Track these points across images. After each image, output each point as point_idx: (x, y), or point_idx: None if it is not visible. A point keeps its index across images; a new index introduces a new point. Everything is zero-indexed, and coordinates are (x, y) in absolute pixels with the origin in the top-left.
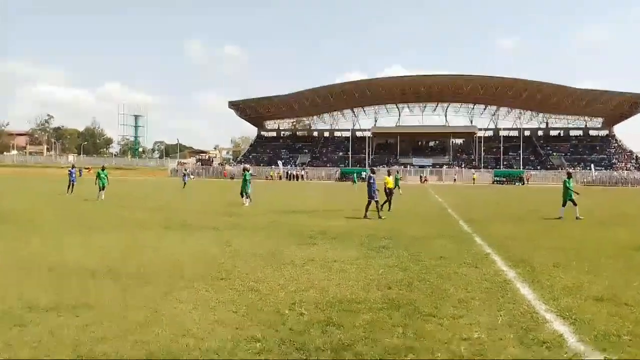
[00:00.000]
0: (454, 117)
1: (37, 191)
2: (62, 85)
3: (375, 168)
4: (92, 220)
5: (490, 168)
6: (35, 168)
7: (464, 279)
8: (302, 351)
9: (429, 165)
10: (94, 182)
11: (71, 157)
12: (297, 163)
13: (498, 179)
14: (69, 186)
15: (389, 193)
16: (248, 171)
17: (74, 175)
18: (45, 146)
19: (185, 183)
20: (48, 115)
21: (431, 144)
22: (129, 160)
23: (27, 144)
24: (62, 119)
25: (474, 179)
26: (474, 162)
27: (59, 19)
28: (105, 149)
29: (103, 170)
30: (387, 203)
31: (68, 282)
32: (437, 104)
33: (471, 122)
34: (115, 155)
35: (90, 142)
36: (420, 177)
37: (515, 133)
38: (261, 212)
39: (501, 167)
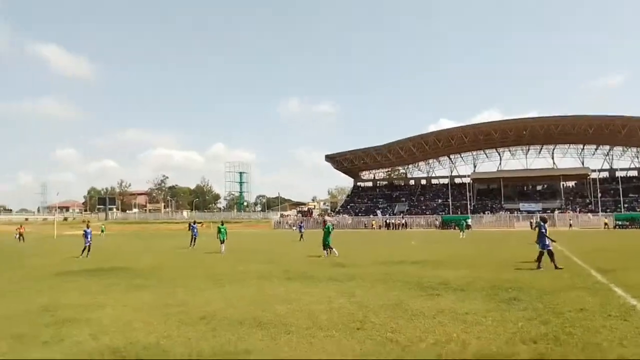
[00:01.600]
0: (562, 158)
1: (164, 246)
2: (176, 149)
3: (545, 216)
4: (220, 272)
5: (609, 212)
6: (155, 224)
7: (616, 333)
8: None
9: (538, 211)
10: (216, 236)
11: (185, 213)
12: (394, 212)
13: (620, 223)
14: (191, 240)
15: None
16: (328, 223)
17: (195, 230)
18: (162, 204)
19: (302, 234)
20: (163, 175)
21: (539, 187)
22: (234, 214)
23: (146, 202)
24: (176, 179)
25: (605, 223)
26: (589, 206)
27: (171, 93)
28: (213, 204)
29: (222, 224)
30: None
31: (222, 329)
32: (542, 146)
33: (582, 163)
34: (222, 209)
35: (200, 199)
36: (531, 222)
37: (634, 173)
38: (372, 262)
39: (622, 210)
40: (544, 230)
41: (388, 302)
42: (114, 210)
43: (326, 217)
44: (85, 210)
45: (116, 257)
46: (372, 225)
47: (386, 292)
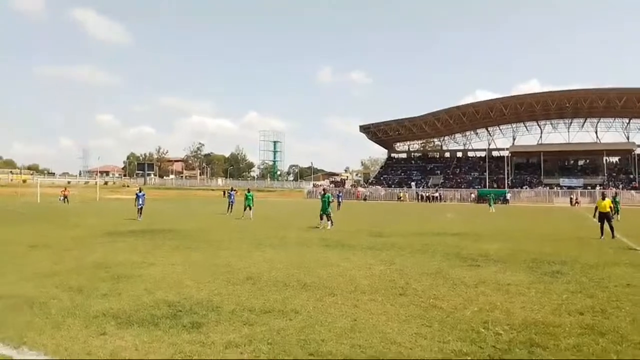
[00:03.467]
0: (606, 133)
1: (203, 211)
2: (210, 116)
3: None
4: (261, 237)
5: None
6: (192, 190)
7: None
8: None
9: (579, 187)
10: (243, 204)
11: (220, 181)
12: (429, 184)
13: None
14: (229, 206)
15: (603, 218)
16: (327, 193)
17: (233, 197)
18: (198, 171)
19: (339, 203)
20: (199, 143)
21: (580, 162)
22: (268, 182)
23: (182, 169)
24: (210, 146)
25: None
26: (633, 183)
27: (207, 61)
28: (247, 173)
29: (249, 192)
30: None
31: (269, 290)
32: (586, 120)
33: (627, 138)
34: (255, 178)
35: (235, 167)
36: (571, 199)
37: None
38: (409, 233)
39: None
40: None
41: (428, 270)
42: (152, 175)
43: (325, 187)
44: (125, 175)
45: (160, 220)
46: (402, 197)
47: (426, 261)
